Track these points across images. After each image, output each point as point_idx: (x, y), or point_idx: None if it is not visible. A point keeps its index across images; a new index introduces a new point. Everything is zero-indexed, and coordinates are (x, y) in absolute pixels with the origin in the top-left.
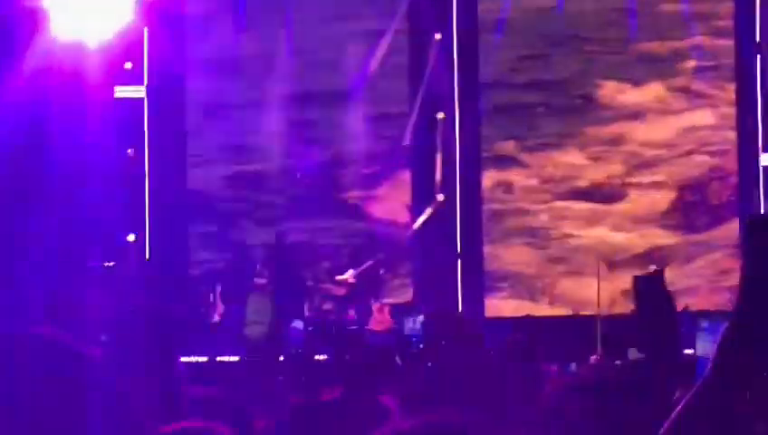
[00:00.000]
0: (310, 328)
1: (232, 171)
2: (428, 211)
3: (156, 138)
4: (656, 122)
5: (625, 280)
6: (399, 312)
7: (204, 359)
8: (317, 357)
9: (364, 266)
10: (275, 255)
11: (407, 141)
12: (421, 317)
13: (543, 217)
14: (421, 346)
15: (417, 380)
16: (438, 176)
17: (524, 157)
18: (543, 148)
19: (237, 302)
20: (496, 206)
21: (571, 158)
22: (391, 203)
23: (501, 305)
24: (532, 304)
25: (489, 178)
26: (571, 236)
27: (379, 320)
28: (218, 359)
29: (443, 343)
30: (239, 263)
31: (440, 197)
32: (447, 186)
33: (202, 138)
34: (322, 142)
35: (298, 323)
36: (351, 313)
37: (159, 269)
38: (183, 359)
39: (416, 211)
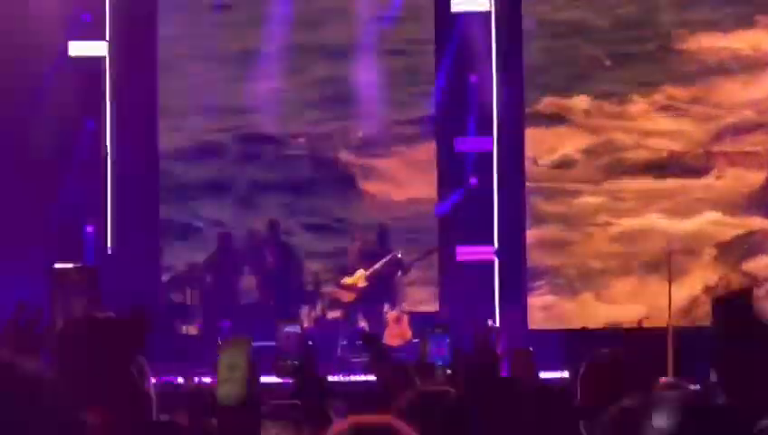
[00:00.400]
0: (309, 342)
1: (214, 141)
2: (458, 196)
3: (121, 105)
4: (750, 77)
5: (705, 277)
6: (421, 323)
7: (179, 380)
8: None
9: (378, 265)
10: (268, 247)
11: (431, 109)
12: (447, 340)
13: (598, 198)
14: (448, 372)
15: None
16: (470, 151)
17: (578, 121)
18: (604, 109)
19: (220, 309)
20: (544, 184)
21: (640, 122)
22: (412, 185)
23: (544, 310)
24: (580, 307)
25: (534, 150)
26: (634, 220)
27: (396, 332)
28: (196, 380)
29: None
30: (222, 258)
31: (473, 180)
32: (482, 164)
33: (175, 99)
34: (327, 104)
35: (293, 328)
36: (362, 323)
37: (123, 267)
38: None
39: (442, 195)
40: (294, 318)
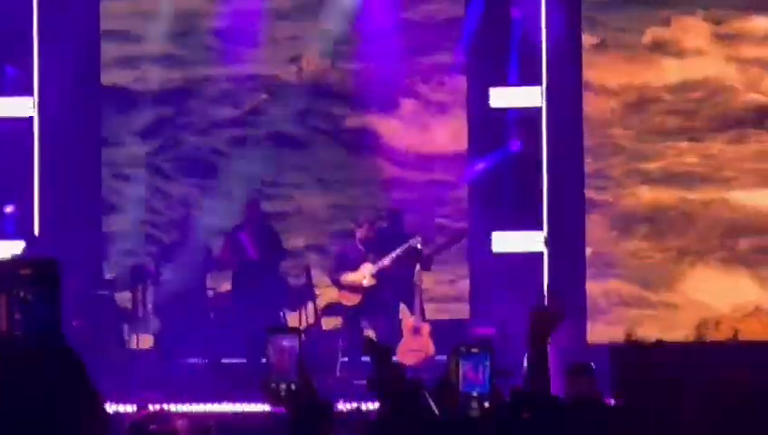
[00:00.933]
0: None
1: (171, 87)
2: (494, 160)
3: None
4: None
5: None
6: (447, 334)
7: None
8: None
9: (389, 258)
10: (245, 232)
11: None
12: (488, 362)
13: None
14: (486, 405)
15: None
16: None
17: (647, 57)
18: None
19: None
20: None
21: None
22: (433, 145)
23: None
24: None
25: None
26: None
27: (413, 346)
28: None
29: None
30: (188, 245)
31: (514, 143)
32: (528, 122)
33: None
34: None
35: (288, 341)
36: (368, 332)
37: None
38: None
39: (473, 161)
40: (290, 329)
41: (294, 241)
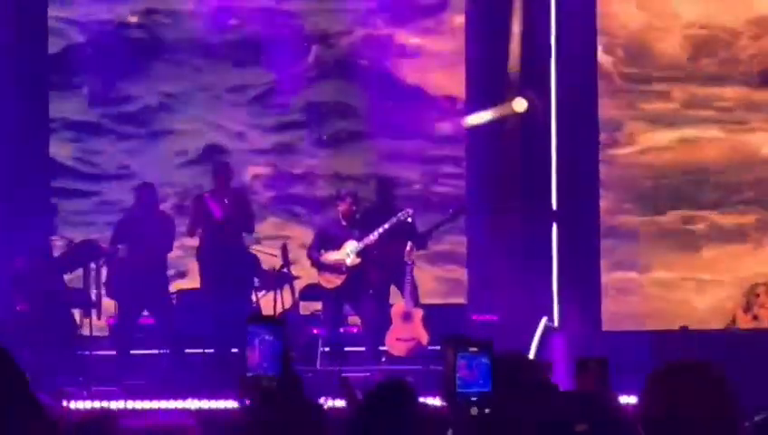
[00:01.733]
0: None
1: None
2: (495, 113)
3: None
4: None
5: None
6: (442, 320)
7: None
8: None
9: (376, 233)
10: (211, 201)
11: None
12: (485, 362)
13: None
14: (487, 411)
15: None
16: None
17: None
18: None
19: (139, 296)
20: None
21: None
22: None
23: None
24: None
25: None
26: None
27: (404, 334)
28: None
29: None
30: (143, 220)
31: (520, 102)
32: (534, 78)
33: None
34: None
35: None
36: (353, 319)
37: None
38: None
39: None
40: (273, 319)
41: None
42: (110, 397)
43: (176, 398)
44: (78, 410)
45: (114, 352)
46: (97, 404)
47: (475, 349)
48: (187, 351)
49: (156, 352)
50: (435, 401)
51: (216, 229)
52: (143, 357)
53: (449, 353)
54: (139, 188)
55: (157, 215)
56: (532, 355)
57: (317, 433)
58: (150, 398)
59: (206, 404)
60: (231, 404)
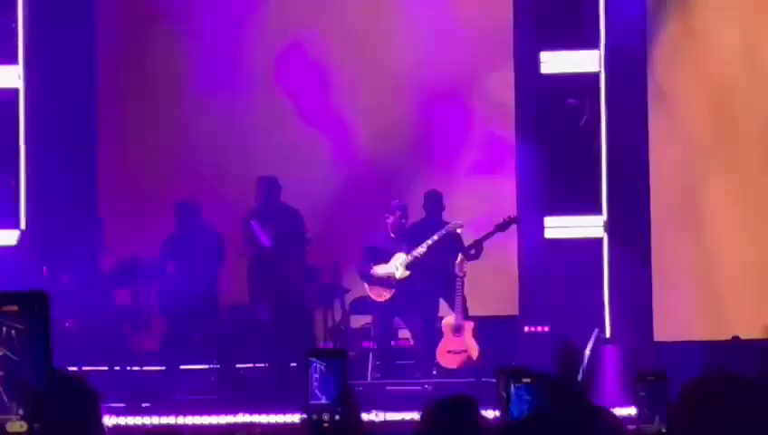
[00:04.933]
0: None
1: None
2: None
3: None
4: None
5: None
6: (493, 333)
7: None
8: None
9: (426, 245)
10: (257, 219)
11: None
12: (529, 397)
13: None
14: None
15: None
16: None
17: None
18: None
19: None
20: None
21: None
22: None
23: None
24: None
25: None
26: None
27: (455, 347)
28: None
29: None
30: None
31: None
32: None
33: None
34: None
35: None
36: (404, 333)
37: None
38: None
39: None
40: (334, 352)
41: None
42: (160, 412)
43: (226, 413)
44: (143, 426)
45: (164, 368)
46: (148, 420)
47: (528, 380)
48: (238, 366)
49: (206, 367)
50: (490, 413)
51: (265, 253)
52: (193, 372)
53: (505, 383)
54: (180, 206)
55: (204, 231)
56: (583, 367)
57: None
58: (201, 413)
59: (257, 418)
60: (283, 418)
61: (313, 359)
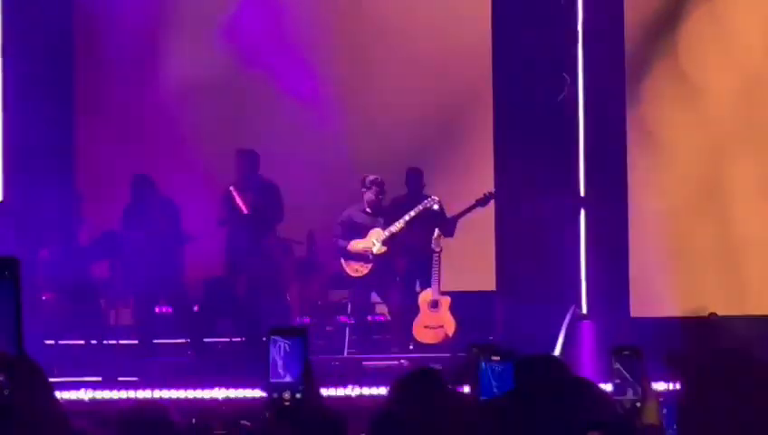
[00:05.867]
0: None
1: None
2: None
3: None
4: None
5: None
6: (470, 308)
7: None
8: None
9: (402, 221)
10: (238, 189)
11: None
12: (509, 370)
13: None
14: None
15: None
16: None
17: None
18: None
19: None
20: None
21: None
22: None
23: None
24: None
25: None
26: None
27: (432, 322)
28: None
29: None
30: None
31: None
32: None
33: None
34: None
35: (283, 341)
36: (380, 308)
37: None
38: None
39: None
40: (295, 330)
41: None
42: (135, 386)
43: (202, 387)
44: (126, 400)
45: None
46: (124, 394)
47: (498, 358)
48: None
49: (179, 341)
50: (464, 389)
51: (244, 222)
52: (165, 346)
53: (476, 361)
54: (135, 177)
55: (160, 202)
56: (559, 343)
57: None
58: (176, 387)
59: (231, 393)
60: (256, 393)
61: (275, 337)
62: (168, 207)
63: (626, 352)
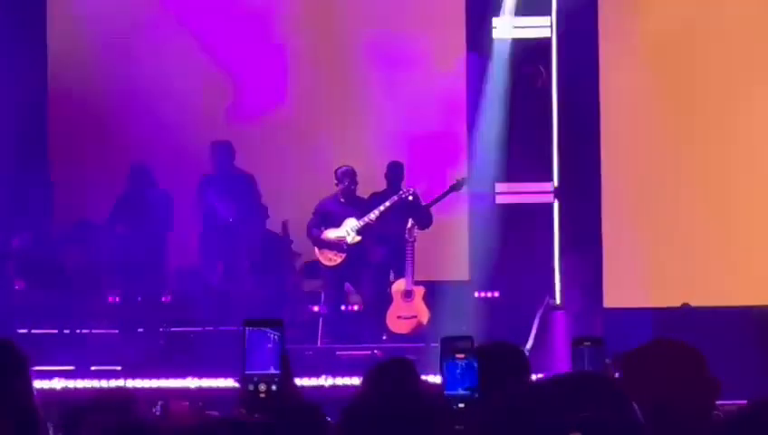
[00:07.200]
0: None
1: None
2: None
3: None
4: None
5: None
6: (443, 297)
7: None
8: None
9: (377, 211)
10: (213, 187)
11: None
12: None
13: None
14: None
15: None
16: None
17: None
18: None
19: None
20: None
21: None
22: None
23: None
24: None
25: None
26: None
27: (405, 312)
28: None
29: None
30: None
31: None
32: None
33: None
34: None
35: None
36: (354, 297)
37: None
38: None
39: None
40: (271, 322)
41: None
42: (109, 376)
43: (175, 376)
44: (91, 389)
45: (114, 331)
46: (97, 383)
47: (462, 356)
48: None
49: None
50: (436, 379)
51: (219, 223)
52: (141, 335)
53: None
54: (132, 167)
55: (153, 193)
56: (532, 334)
57: None
58: (149, 377)
59: (205, 383)
60: (224, 383)
61: (250, 328)
62: (164, 199)
63: (587, 343)
